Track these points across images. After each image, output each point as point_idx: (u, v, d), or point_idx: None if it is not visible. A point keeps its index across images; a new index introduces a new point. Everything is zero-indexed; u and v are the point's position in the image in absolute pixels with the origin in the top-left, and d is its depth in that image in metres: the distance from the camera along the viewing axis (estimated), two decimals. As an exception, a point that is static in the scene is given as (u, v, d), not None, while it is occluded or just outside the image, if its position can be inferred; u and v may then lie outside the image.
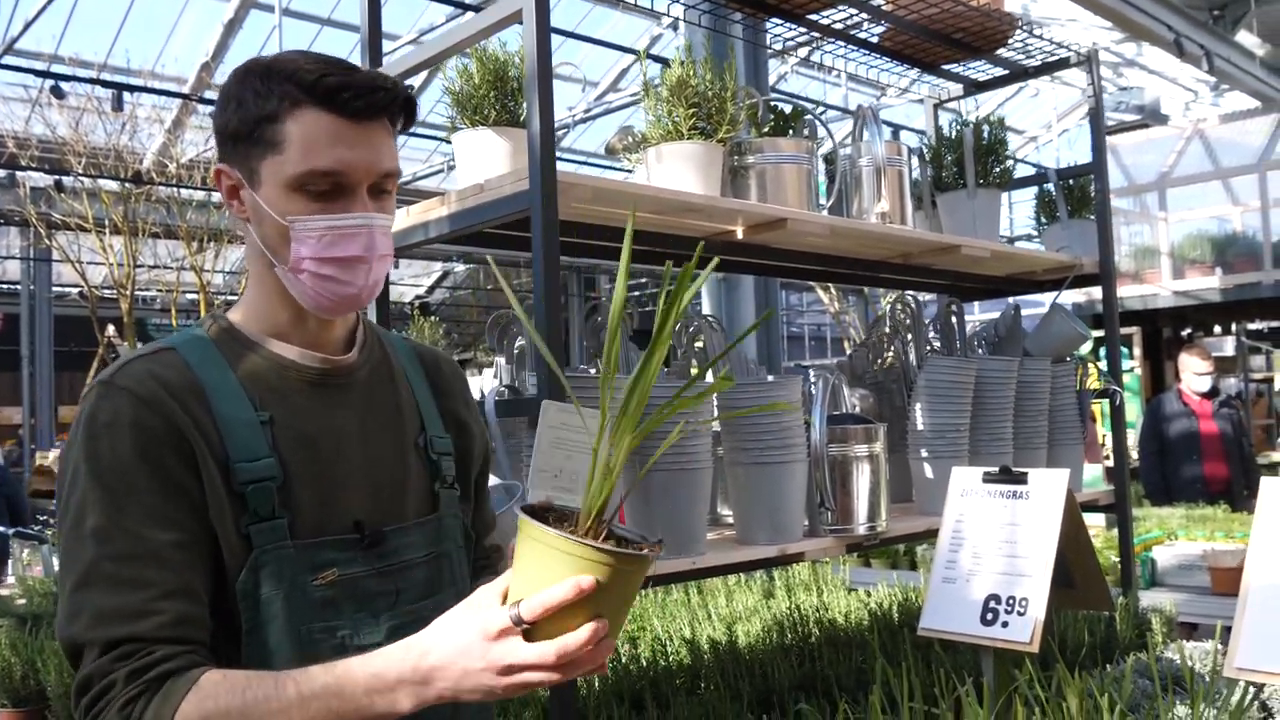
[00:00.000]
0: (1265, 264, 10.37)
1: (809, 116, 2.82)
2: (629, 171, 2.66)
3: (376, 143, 1.31)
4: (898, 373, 3.11)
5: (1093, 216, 3.52)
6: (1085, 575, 2.33)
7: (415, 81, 3.06)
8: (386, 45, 2.53)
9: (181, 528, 1.22)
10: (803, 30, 3.12)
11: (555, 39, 2.18)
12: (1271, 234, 10.49)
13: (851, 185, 2.85)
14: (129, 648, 1.17)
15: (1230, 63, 9.71)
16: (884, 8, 3.10)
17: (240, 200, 1.34)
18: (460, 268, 17.29)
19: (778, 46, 3.29)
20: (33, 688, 3.38)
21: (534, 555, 1.08)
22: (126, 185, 9.67)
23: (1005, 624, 2.11)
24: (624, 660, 2.75)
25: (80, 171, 9.45)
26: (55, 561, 5.80)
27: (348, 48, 10.58)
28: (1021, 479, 2.23)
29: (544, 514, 1.12)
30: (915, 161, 3.24)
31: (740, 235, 2.52)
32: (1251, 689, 2.16)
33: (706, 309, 6.73)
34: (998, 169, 3.28)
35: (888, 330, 3.22)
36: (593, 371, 2.41)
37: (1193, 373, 6.56)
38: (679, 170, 2.36)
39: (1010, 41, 3.39)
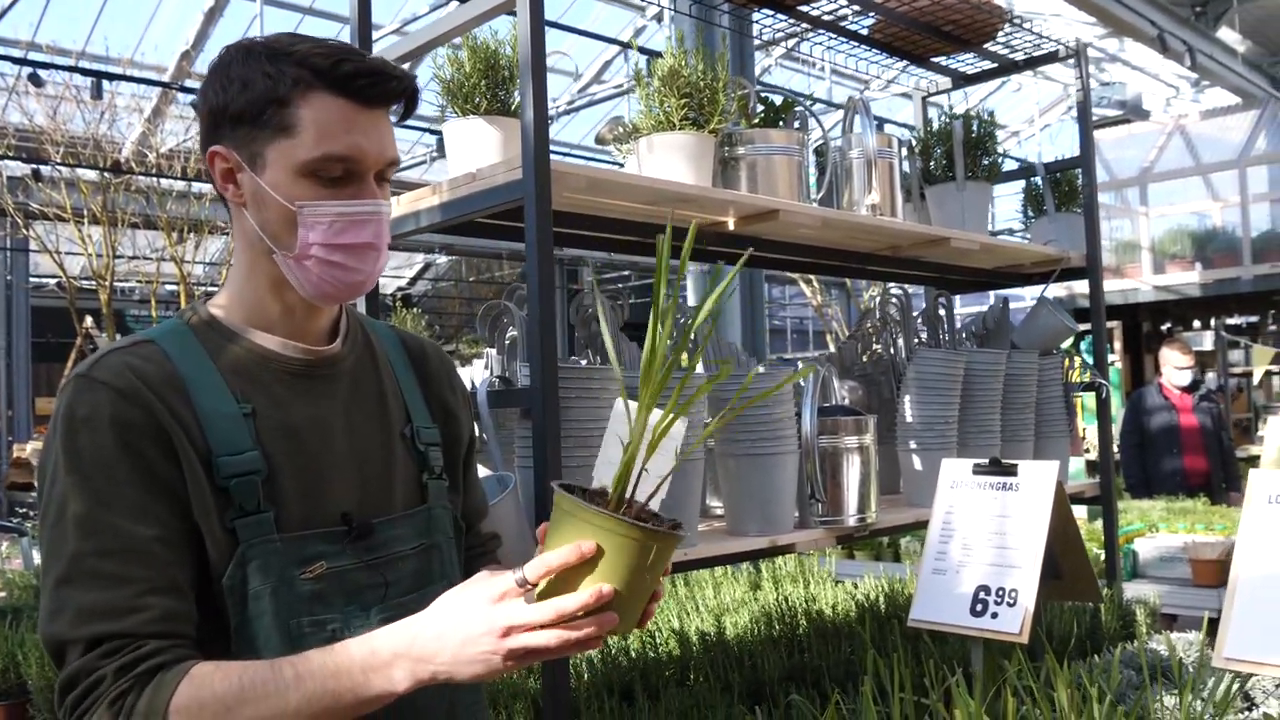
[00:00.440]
0: (1244, 259, 10.45)
1: (799, 108, 2.81)
2: (618, 164, 2.65)
3: (384, 130, 1.31)
4: (886, 365, 3.11)
5: (1079, 210, 3.53)
6: (1073, 567, 2.34)
7: (403, 70, 3.02)
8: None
9: (164, 523, 1.20)
10: (792, 22, 3.12)
11: (545, 28, 2.18)
12: (1251, 230, 10.57)
13: (842, 177, 2.85)
14: (115, 644, 1.15)
15: (1212, 59, 9.79)
16: (874, -1, 3.10)
17: (237, 184, 1.31)
18: (442, 259, 17.22)
19: (767, 37, 3.28)
20: (13, 681, 3.35)
21: (557, 525, 1.12)
22: (105, 175, 9.58)
23: (995, 615, 2.12)
24: (613, 651, 2.74)
25: (58, 160, 9.36)
26: (35, 554, 5.75)
27: (330, 36, 10.48)
28: (1011, 471, 2.24)
29: (581, 491, 1.16)
30: (904, 154, 3.25)
31: (732, 226, 2.52)
32: (1236, 680, 2.18)
33: (691, 301, 6.73)
34: (986, 162, 3.29)
35: (877, 322, 3.22)
36: (583, 363, 2.41)
37: (1173, 367, 6.61)
38: (670, 161, 2.35)
39: (998, 35, 3.39)
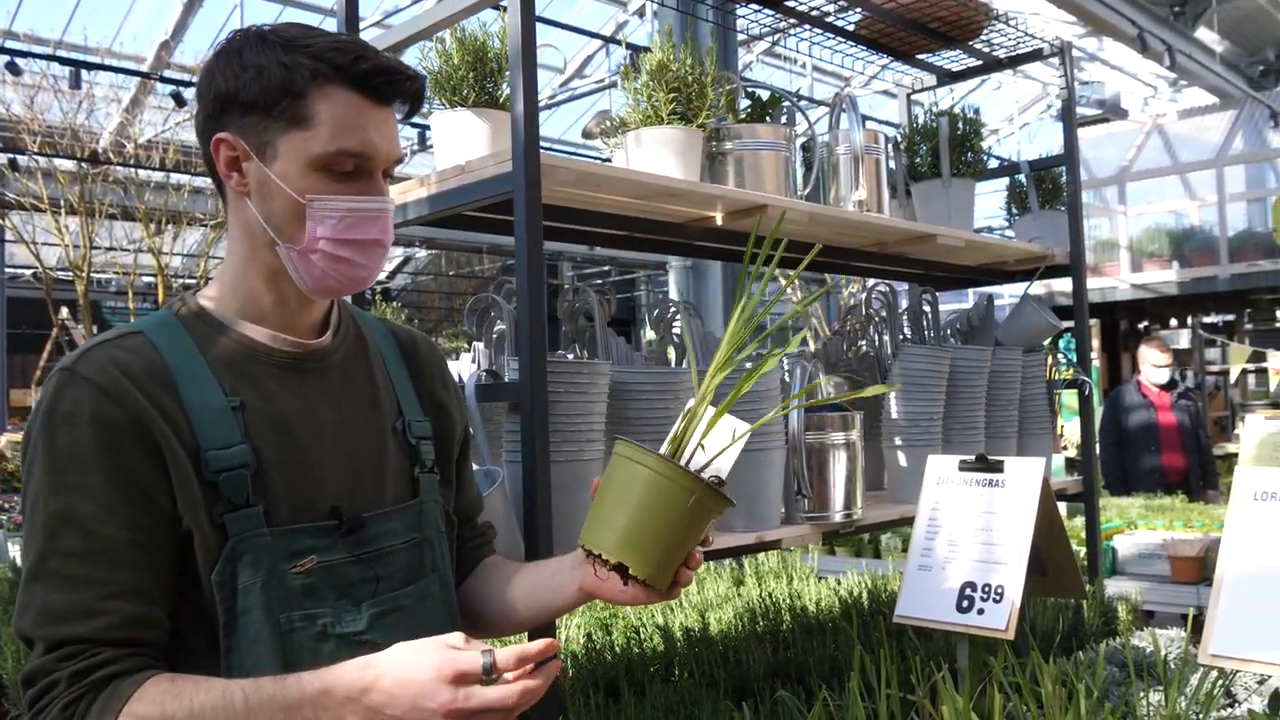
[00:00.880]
0: (1221, 258, 10.53)
1: (786, 104, 2.81)
2: (606, 159, 2.63)
3: (393, 127, 1.32)
4: (871, 361, 3.11)
5: (1063, 208, 3.55)
6: (1058, 563, 2.35)
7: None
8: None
9: (138, 525, 1.19)
10: (778, 16, 3.11)
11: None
12: (1228, 229, 10.66)
13: (829, 173, 2.84)
14: (73, 649, 1.15)
15: (1191, 58, 9.85)
16: (861, -5, 3.10)
17: (242, 173, 1.29)
18: (422, 253, 17.16)
19: (754, 32, 3.28)
20: (-10, 674, 3.32)
21: (610, 473, 1.26)
22: (83, 165, 9.51)
23: (981, 611, 2.12)
24: (598, 647, 2.74)
25: (35, 150, 9.28)
26: (9, 547, 5.70)
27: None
28: (997, 467, 2.24)
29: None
30: (890, 151, 3.25)
31: (720, 221, 2.51)
32: (1219, 676, 2.19)
33: (674, 295, 6.73)
34: (971, 159, 3.30)
35: (862, 318, 3.22)
36: (570, 357, 2.40)
37: (1152, 365, 6.65)
38: (658, 155, 2.34)
39: (984, 33, 3.40)
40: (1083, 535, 3.47)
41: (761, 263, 1.31)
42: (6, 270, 13.54)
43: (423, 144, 10.19)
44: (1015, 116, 16.60)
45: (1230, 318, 11.89)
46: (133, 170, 9.70)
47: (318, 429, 1.33)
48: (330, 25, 2.38)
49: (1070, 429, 8.69)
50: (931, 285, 3.56)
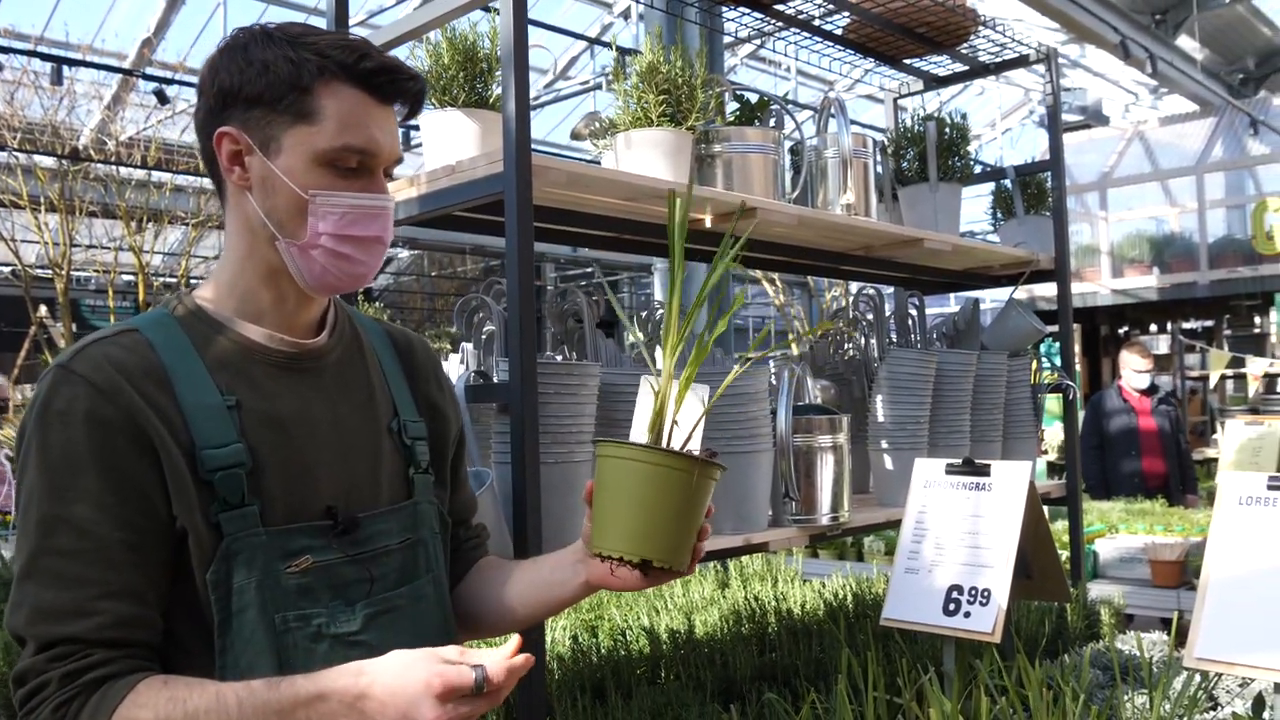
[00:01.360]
0: (1201, 264, 10.60)
1: (774, 107, 2.81)
2: (594, 161, 2.63)
3: (394, 127, 1.33)
4: (858, 364, 3.12)
5: (1048, 213, 3.56)
6: (1043, 566, 2.36)
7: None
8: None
9: (130, 525, 1.18)
10: (766, 20, 3.12)
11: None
12: (1207, 235, 10.72)
13: (817, 176, 2.85)
14: (65, 649, 1.14)
15: (1172, 66, 9.92)
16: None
17: (244, 167, 1.28)
18: (405, 253, 17.09)
19: (743, 35, 3.28)
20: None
21: (601, 476, 1.26)
22: (63, 162, 9.44)
23: (968, 614, 2.12)
24: (584, 649, 2.73)
25: (15, 146, 9.20)
26: (-6, 546, 5.65)
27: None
28: (984, 471, 2.25)
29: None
30: (877, 155, 3.26)
31: (709, 224, 2.51)
32: (1203, 680, 2.21)
33: (658, 297, 6.73)
34: (958, 164, 3.31)
35: (849, 322, 3.23)
36: (559, 358, 2.39)
37: (1133, 370, 6.69)
38: (648, 157, 2.34)
39: (971, 38, 3.42)
40: (1065, 539, 3.49)
41: (683, 243, 1.39)
42: (-15, 268, 13.45)
43: (408, 144, 10.15)
44: (998, 122, 16.69)
45: (1210, 323, 11.97)
46: (114, 168, 9.64)
47: (313, 429, 1.32)
48: (318, 24, 2.38)
49: (1051, 433, 8.73)
50: (917, 289, 3.58)
